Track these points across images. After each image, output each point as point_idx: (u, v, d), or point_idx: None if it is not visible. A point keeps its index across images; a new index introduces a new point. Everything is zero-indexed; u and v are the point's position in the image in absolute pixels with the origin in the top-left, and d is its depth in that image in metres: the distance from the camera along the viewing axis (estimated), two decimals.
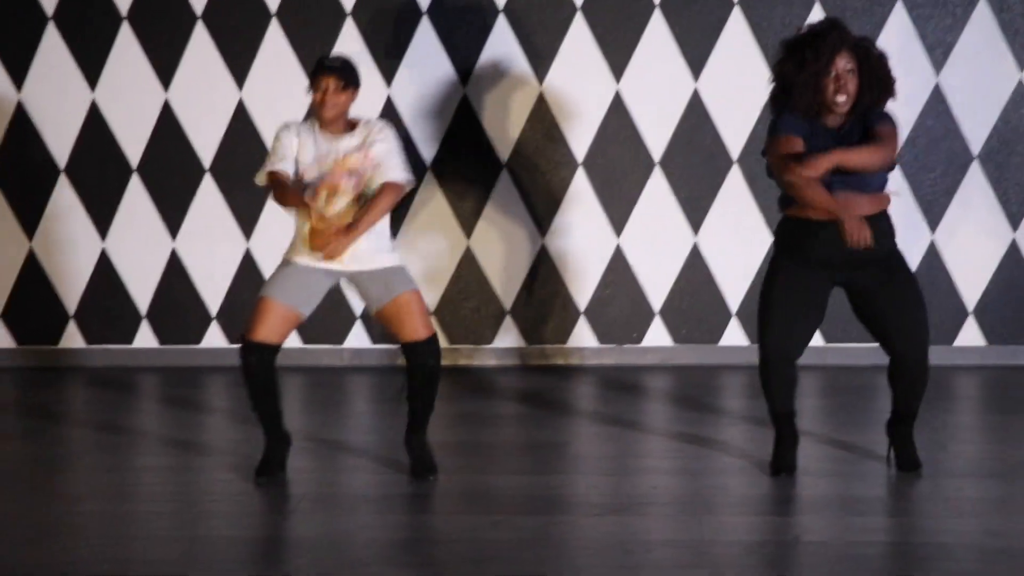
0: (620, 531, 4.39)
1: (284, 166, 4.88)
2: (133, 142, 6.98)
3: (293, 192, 4.83)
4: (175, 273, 7.04)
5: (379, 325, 5.14)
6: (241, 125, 6.92)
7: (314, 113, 4.94)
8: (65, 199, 7.02)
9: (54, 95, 6.96)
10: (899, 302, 4.76)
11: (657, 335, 6.93)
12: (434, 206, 6.91)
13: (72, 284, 7.08)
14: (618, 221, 6.88)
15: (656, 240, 6.86)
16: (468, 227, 6.92)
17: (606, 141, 6.84)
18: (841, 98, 4.67)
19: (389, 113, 6.82)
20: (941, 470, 4.97)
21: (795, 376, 4.91)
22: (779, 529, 4.43)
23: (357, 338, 7.05)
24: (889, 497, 4.77)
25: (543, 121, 6.84)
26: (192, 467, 5.21)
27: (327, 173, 4.83)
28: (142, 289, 7.06)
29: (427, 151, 6.87)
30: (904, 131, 6.43)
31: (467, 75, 6.82)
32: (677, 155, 6.83)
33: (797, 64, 4.69)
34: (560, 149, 6.85)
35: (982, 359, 6.82)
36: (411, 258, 6.81)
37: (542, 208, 6.89)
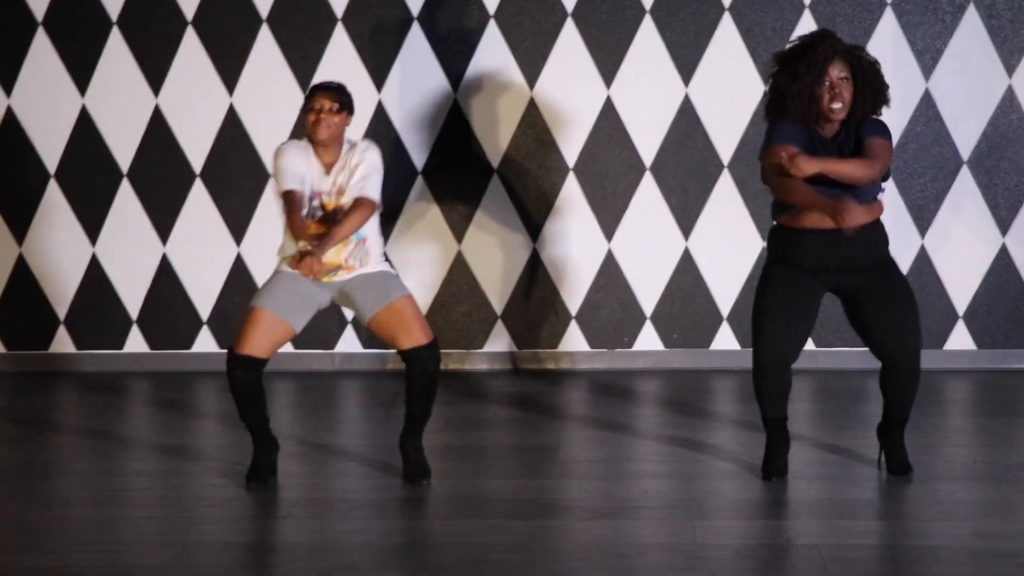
0: (612, 535, 4.39)
1: (298, 185, 4.80)
2: (123, 147, 6.97)
3: (300, 225, 4.76)
4: (166, 278, 7.03)
5: (372, 335, 5.11)
6: (232, 130, 6.92)
7: (307, 135, 4.91)
8: (55, 204, 7.00)
9: (44, 100, 6.95)
10: (891, 308, 4.77)
11: (648, 339, 6.94)
12: (425, 211, 6.92)
13: (62, 289, 7.07)
14: (609, 226, 6.88)
15: (647, 244, 6.87)
16: (459, 232, 6.92)
17: (597, 146, 6.85)
18: (837, 105, 4.69)
19: (380, 119, 6.82)
20: (932, 474, 4.98)
21: (789, 382, 4.92)
22: (771, 533, 4.44)
23: (348, 342, 7.05)
24: (880, 501, 4.78)
25: (534, 126, 6.84)
26: (183, 472, 5.20)
27: (318, 207, 4.82)
28: (132, 294, 7.05)
29: (418, 157, 6.88)
30: (894, 137, 6.44)
31: (458, 81, 6.83)
32: (668, 160, 6.84)
33: (790, 76, 4.71)
34: (551, 154, 6.86)
35: (972, 363, 6.85)
36: (403, 263, 6.83)
37: (533, 213, 6.89)
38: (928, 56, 6.70)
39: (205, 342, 7.05)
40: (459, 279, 6.96)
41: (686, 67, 6.78)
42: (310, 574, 4.08)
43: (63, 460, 5.55)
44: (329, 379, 6.90)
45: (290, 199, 4.78)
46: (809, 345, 6.72)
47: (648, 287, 6.92)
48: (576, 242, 6.90)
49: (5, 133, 6.97)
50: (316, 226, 4.81)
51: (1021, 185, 6.76)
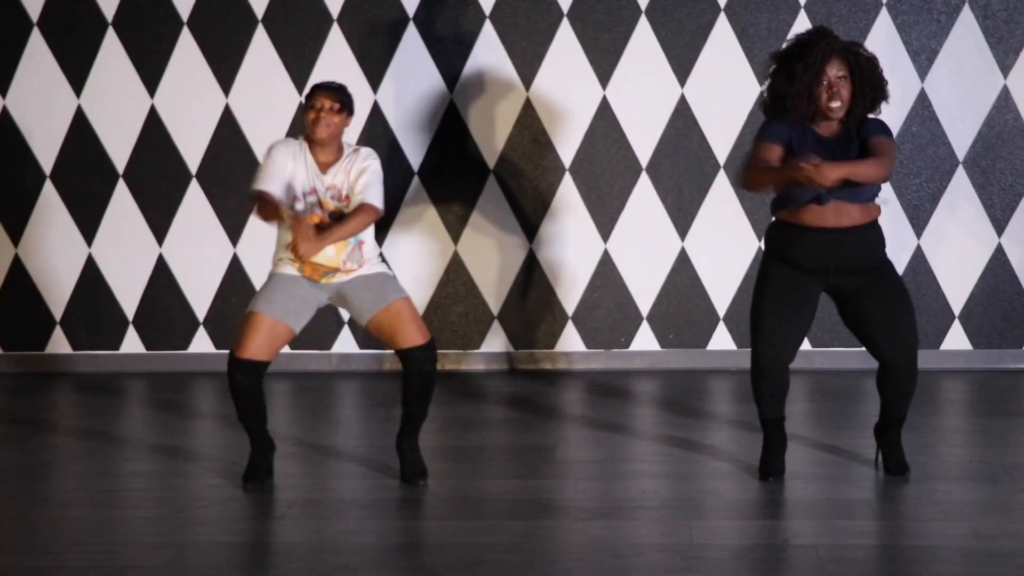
0: (609, 535, 4.39)
1: (272, 187, 4.82)
2: (119, 148, 6.97)
3: (272, 206, 4.76)
4: (162, 278, 7.03)
5: (369, 336, 5.12)
6: (228, 131, 6.92)
7: (305, 134, 4.91)
8: (51, 205, 7.00)
9: (40, 101, 6.95)
10: (888, 309, 4.77)
11: (645, 339, 6.95)
12: (422, 211, 6.92)
13: (58, 290, 7.06)
14: (605, 226, 6.89)
15: (643, 245, 6.88)
16: (456, 232, 6.92)
17: (593, 146, 6.85)
18: (835, 104, 4.68)
19: (376, 120, 6.82)
20: (929, 474, 4.99)
21: (787, 381, 4.92)
22: (768, 533, 4.44)
23: (345, 343, 7.05)
24: (877, 501, 4.78)
25: (530, 127, 6.85)
26: (180, 472, 5.20)
27: (314, 205, 4.82)
28: (129, 295, 7.05)
29: (414, 157, 6.88)
30: None
31: (454, 81, 6.83)
32: (664, 160, 6.85)
33: (788, 76, 4.70)
34: (547, 155, 6.86)
35: (968, 363, 6.86)
36: (399, 263, 6.82)
37: (530, 213, 6.90)
38: (923, 56, 6.71)
39: (201, 343, 7.05)
40: (455, 280, 6.96)
41: (682, 67, 6.79)
42: (307, 575, 4.08)
43: (60, 461, 5.55)
44: (326, 380, 6.90)
45: (260, 197, 4.81)
46: (806, 345, 6.74)
47: (644, 287, 6.92)
48: (572, 242, 6.90)
49: (1, 134, 6.97)
50: (315, 219, 4.81)
51: (1016, 185, 6.77)
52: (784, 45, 4.83)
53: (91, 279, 7.04)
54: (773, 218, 4.89)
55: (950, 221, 6.80)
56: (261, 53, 6.87)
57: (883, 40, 6.63)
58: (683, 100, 6.81)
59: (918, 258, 6.82)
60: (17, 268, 7.05)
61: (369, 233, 4.93)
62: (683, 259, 6.89)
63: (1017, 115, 6.72)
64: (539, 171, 6.88)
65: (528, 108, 6.83)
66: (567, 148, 6.86)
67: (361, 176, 4.83)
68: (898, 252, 6.66)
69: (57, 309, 7.08)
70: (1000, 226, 6.79)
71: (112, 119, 6.94)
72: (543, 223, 6.90)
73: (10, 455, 5.58)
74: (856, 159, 4.65)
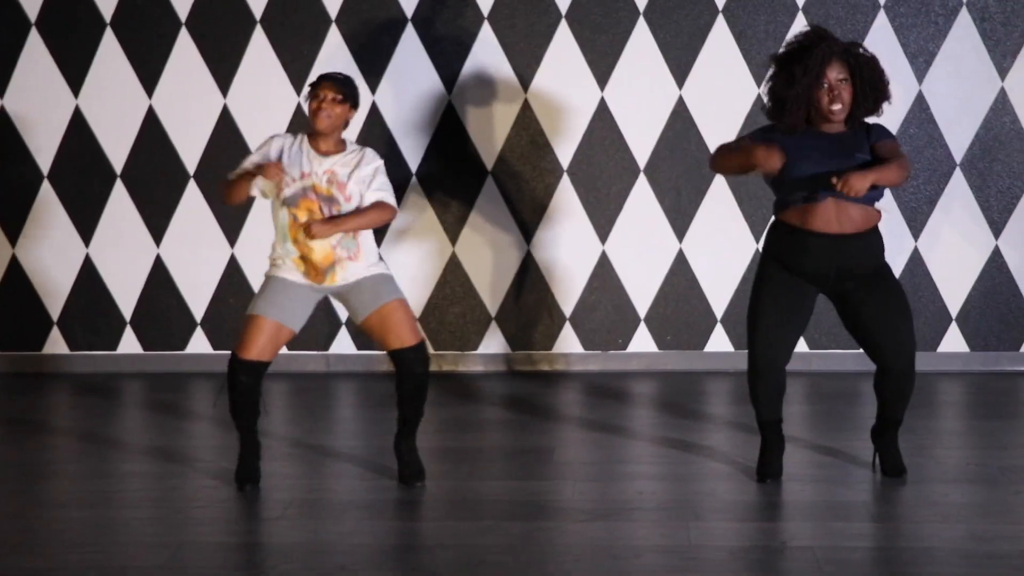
0: (608, 536, 4.39)
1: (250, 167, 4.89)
2: (117, 148, 6.97)
3: (236, 184, 4.83)
4: (159, 279, 7.03)
5: (364, 334, 5.12)
6: (225, 131, 6.92)
7: (308, 125, 4.92)
8: (49, 205, 7.00)
9: (37, 101, 6.95)
10: (886, 313, 4.77)
11: (642, 341, 6.95)
12: (419, 212, 6.92)
13: (56, 290, 7.06)
14: (603, 228, 6.89)
15: (641, 246, 6.88)
16: (453, 233, 6.92)
17: (591, 148, 6.85)
18: (836, 107, 4.69)
19: (374, 121, 6.83)
20: (926, 476, 5.00)
21: (783, 383, 4.92)
22: (766, 534, 4.44)
23: (341, 344, 7.05)
24: (874, 502, 4.79)
25: (528, 128, 6.85)
26: (178, 473, 5.20)
27: (308, 188, 4.82)
28: (126, 295, 7.05)
29: (412, 158, 6.88)
30: None
31: (452, 82, 6.83)
32: (662, 162, 6.85)
33: (788, 80, 4.69)
34: (545, 156, 6.86)
35: (965, 365, 6.86)
36: (397, 264, 6.83)
37: (527, 215, 6.90)
38: (921, 59, 6.72)
39: (199, 343, 7.05)
40: (453, 281, 6.96)
41: (680, 69, 6.79)
42: (305, 575, 4.08)
43: (57, 461, 5.54)
44: (322, 380, 6.90)
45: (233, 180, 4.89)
46: (803, 347, 6.76)
47: (642, 289, 6.93)
48: (570, 244, 6.91)
49: None
50: (311, 204, 4.81)
51: (1014, 188, 6.78)
52: (783, 48, 4.82)
53: (89, 279, 7.04)
54: (773, 218, 4.89)
55: (947, 223, 6.80)
56: (259, 54, 6.87)
57: (881, 42, 6.63)
58: (681, 102, 6.81)
59: (915, 260, 6.82)
60: (14, 268, 7.05)
61: (368, 243, 4.94)
62: (681, 261, 6.90)
63: (1014, 117, 6.73)
64: (537, 172, 6.88)
65: (526, 109, 6.84)
66: (565, 149, 6.86)
67: (376, 177, 4.89)
68: (895, 254, 6.66)
69: (55, 309, 7.08)
70: (997, 228, 6.80)
71: (110, 119, 6.94)
72: (541, 224, 6.90)
73: (8, 456, 5.58)
74: (862, 165, 4.64)
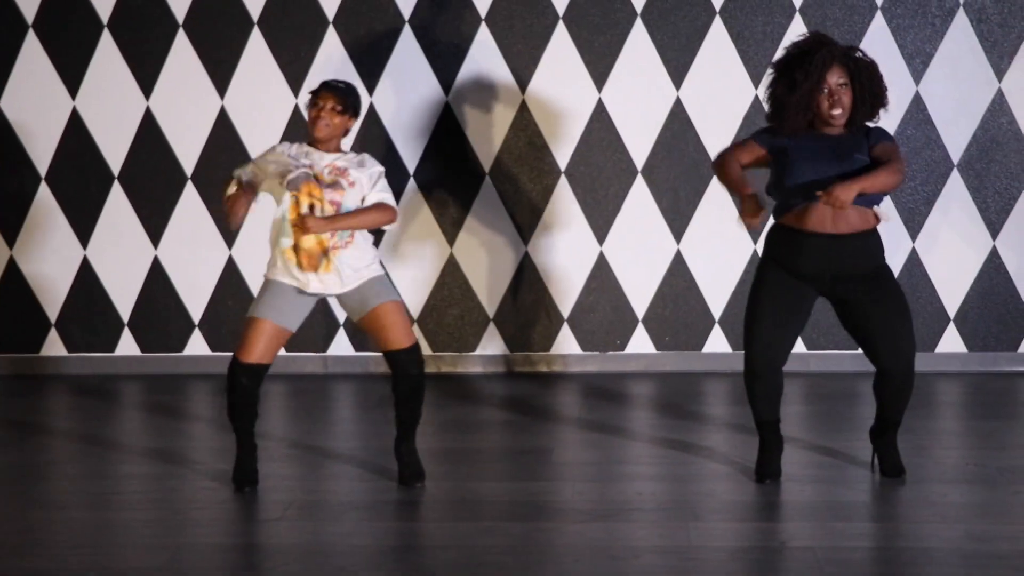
0: (607, 537, 4.39)
1: (242, 173, 4.90)
2: (115, 150, 6.96)
3: (233, 202, 4.81)
4: (157, 281, 7.02)
5: (361, 333, 5.14)
6: (223, 133, 6.91)
7: (308, 131, 4.93)
8: (46, 207, 6.99)
9: (35, 103, 6.94)
10: (886, 316, 4.77)
11: (640, 342, 6.95)
12: (417, 214, 6.92)
13: (53, 292, 7.06)
14: (601, 229, 6.90)
15: (639, 247, 6.89)
16: (451, 235, 6.92)
17: (589, 149, 6.86)
18: (837, 111, 4.70)
19: (372, 122, 6.82)
20: (924, 476, 5.00)
21: (780, 384, 4.93)
22: (765, 535, 4.45)
23: (339, 346, 7.05)
24: (874, 503, 4.79)
25: (526, 129, 6.85)
26: (176, 475, 5.19)
27: (311, 176, 4.83)
28: (124, 297, 7.04)
29: (410, 159, 6.88)
30: None
31: (450, 84, 6.83)
32: (659, 163, 6.86)
33: (788, 85, 4.71)
34: (543, 157, 6.87)
35: (963, 366, 6.87)
36: (394, 265, 6.83)
37: (525, 216, 6.90)
38: (918, 60, 6.73)
39: (197, 345, 7.04)
40: (451, 282, 6.96)
41: (677, 70, 6.80)
42: None
43: (56, 463, 5.54)
44: (320, 382, 6.90)
45: (233, 194, 4.88)
46: (800, 348, 6.76)
47: (640, 290, 6.93)
48: (568, 245, 6.91)
49: None
50: (312, 187, 4.81)
51: (1011, 188, 6.79)
52: (783, 52, 4.83)
53: (86, 281, 7.03)
54: (774, 221, 4.90)
55: (945, 224, 6.81)
56: (256, 55, 6.87)
57: (878, 43, 6.64)
58: (678, 103, 6.81)
59: (913, 261, 6.83)
60: (12, 270, 7.05)
61: (361, 232, 4.95)
62: (679, 262, 6.90)
63: (1012, 118, 6.74)
64: (535, 174, 6.88)
65: (524, 111, 6.84)
66: (563, 151, 6.86)
67: (379, 180, 4.91)
68: (893, 255, 6.66)
69: (52, 311, 7.07)
70: (995, 229, 6.81)
71: (107, 121, 6.94)
72: (539, 226, 6.90)
73: (6, 458, 5.58)
74: (861, 170, 4.65)
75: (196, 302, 7.02)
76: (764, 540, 4.38)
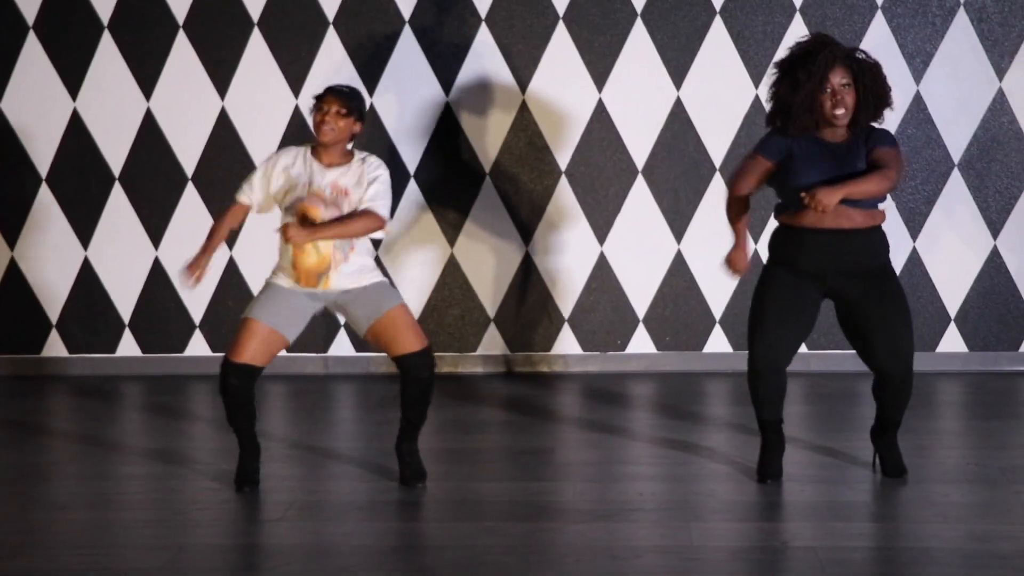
0: (608, 537, 4.39)
1: (254, 198, 4.92)
2: (115, 151, 6.96)
3: (219, 231, 4.96)
4: (158, 282, 7.02)
5: (369, 343, 5.11)
6: (223, 134, 6.91)
7: (312, 136, 4.91)
8: (47, 208, 6.99)
9: (35, 104, 6.94)
10: (886, 317, 4.76)
11: (641, 342, 6.95)
12: (418, 214, 6.92)
13: (54, 293, 7.06)
14: (601, 229, 6.89)
15: (640, 247, 6.89)
16: (452, 235, 6.92)
17: (589, 149, 6.86)
18: (840, 111, 4.70)
19: (372, 123, 6.82)
20: (926, 476, 5.00)
21: (784, 384, 4.92)
22: (766, 535, 4.45)
23: (340, 346, 7.04)
24: (875, 503, 4.79)
25: (526, 130, 6.85)
26: (177, 475, 5.19)
27: (306, 196, 4.82)
28: (125, 298, 7.04)
29: (410, 160, 6.88)
30: None
31: (450, 85, 6.83)
32: (660, 163, 6.85)
33: (791, 85, 4.71)
34: (543, 157, 6.86)
35: (964, 365, 6.87)
36: (395, 266, 6.83)
37: (525, 216, 6.90)
38: (919, 59, 6.72)
39: (198, 346, 7.04)
40: (452, 283, 6.96)
41: (678, 70, 6.80)
42: None
43: (56, 464, 5.54)
44: (321, 383, 6.90)
45: (231, 208, 4.96)
46: (801, 348, 6.73)
47: (640, 290, 6.93)
48: (568, 245, 6.91)
49: None
50: (310, 209, 4.81)
51: (1012, 188, 6.78)
52: (786, 53, 4.83)
53: (87, 282, 7.03)
54: (776, 223, 4.91)
55: (946, 224, 6.81)
56: (257, 56, 6.86)
57: (878, 43, 6.64)
58: (679, 103, 6.81)
59: (914, 260, 6.83)
60: (13, 271, 7.04)
61: (362, 241, 4.93)
62: (679, 262, 6.90)
63: (1012, 118, 6.74)
64: (535, 174, 6.88)
65: (524, 111, 6.84)
66: (563, 151, 6.86)
67: (372, 185, 4.83)
68: (894, 255, 6.62)
69: (53, 312, 7.07)
70: (995, 228, 6.81)
71: (108, 122, 6.94)
72: (539, 226, 6.90)
73: (7, 458, 5.58)
74: (859, 173, 4.65)
75: (197, 303, 7.02)
76: (765, 540, 4.38)
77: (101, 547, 4.39)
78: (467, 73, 6.82)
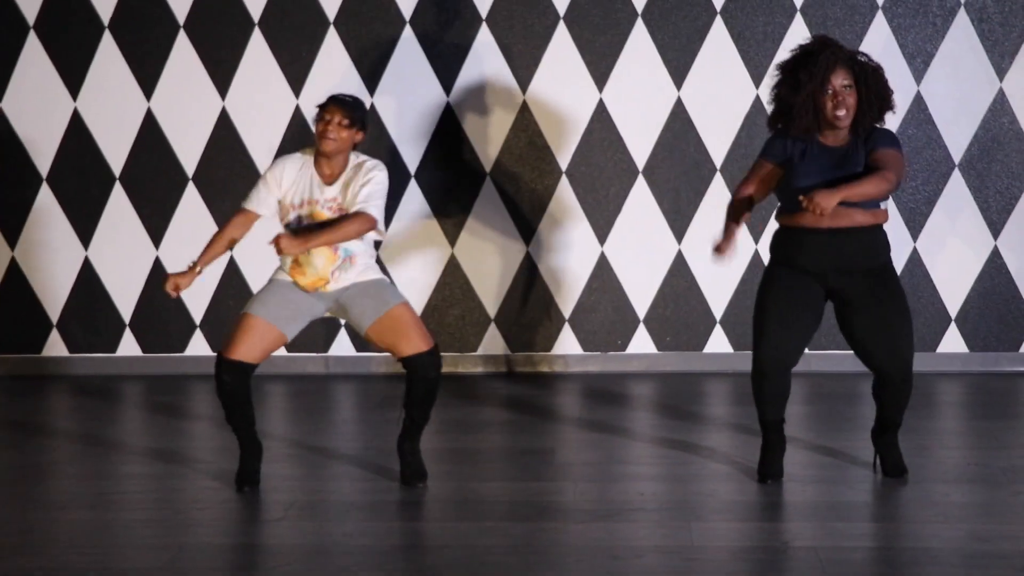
0: (609, 537, 4.39)
1: (261, 208, 4.91)
2: (116, 151, 6.96)
3: (221, 241, 4.96)
4: (158, 281, 6.98)
5: (370, 343, 5.10)
6: (224, 134, 6.91)
7: (314, 143, 4.90)
8: (48, 208, 7.00)
9: (36, 104, 6.94)
10: (886, 318, 4.76)
11: (641, 342, 6.95)
12: (418, 214, 6.92)
13: (55, 293, 7.06)
14: (602, 229, 6.89)
15: (640, 248, 6.89)
16: (452, 235, 6.92)
17: (590, 149, 6.86)
18: (841, 112, 4.69)
19: (372, 123, 6.81)
20: (927, 476, 5.00)
21: (788, 385, 4.92)
22: (767, 535, 4.45)
23: (340, 346, 7.04)
24: (876, 503, 4.79)
25: (527, 130, 6.85)
26: (178, 475, 5.19)
27: (307, 217, 4.82)
28: (125, 297, 7.04)
29: (411, 160, 6.88)
30: None
31: (450, 85, 6.83)
32: (660, 163, 6.85)
33: (793, 86, 4.71)
34: (544, 157, 6.86)
35: (964, 366, 6.87)
36: (396, 266, 6.83)
37: (526, 216, 6.90)
38: (919, 60, 6.72)
39: (198, 345, 7.04)
40: (452, 282, 6.96)
41: (678, 70, 6.80)
42: None
43: (57, 463, 5.54)
44: (321, 382, 6.90)
45: (237, 215, 4.95)
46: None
47: (641, 290, 6.93)
48: (569, 245, 6.91)
49: None
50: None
51: (1012, 188, 6.78)
52: (788, 54, 4.83)
53: (88, 282, 7.03)
54: (777, 224, 4.91)
55: (946, 224, 6.81)
56: (257, 56, 6.86)
57: (879, 43, 6.64)
58: (679, 103, 6.81)
59: (914, 261, 6.83)
60: (14, 271, 7.05)
61: (361, 247, 4.91)
62: (680, 262, 6.90)
63: (1013, 118, 6.74)
64: (536, 174, 6.88)
65: (525, 111, 6.84)
66: (564, 151, 6.86)
67: (365, 186, 4.80)
68: (894, 255, 6.64)
69: (54, 312, 7.07)
70: (996, 229, 6.81)
71: (108, 122, 6.94)
72: (540, 226, 6.90)
73: (8, 458, 5.58)
74: (857, 176, 4.64)
75: (197, 302, 7.02)
76: (766, 540, 4.38)
77: (101, 547, 4.39)
78: (468, 73, 6.82)
